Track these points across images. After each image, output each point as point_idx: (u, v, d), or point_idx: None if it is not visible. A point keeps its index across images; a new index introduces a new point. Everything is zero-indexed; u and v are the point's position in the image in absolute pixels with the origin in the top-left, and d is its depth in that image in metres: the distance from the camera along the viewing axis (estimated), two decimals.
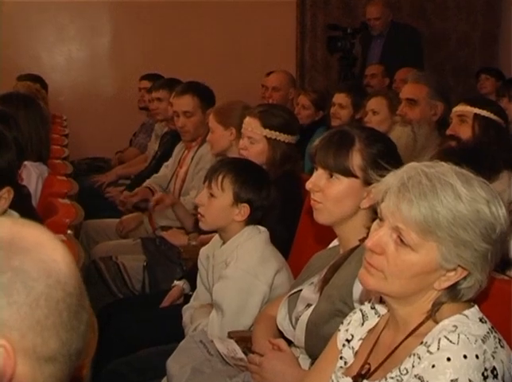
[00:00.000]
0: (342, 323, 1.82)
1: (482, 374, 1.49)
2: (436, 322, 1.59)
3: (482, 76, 6.80)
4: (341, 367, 1.75)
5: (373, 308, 1.78)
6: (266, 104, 4.35)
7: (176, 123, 4.39)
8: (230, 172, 2.68)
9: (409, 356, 1.56)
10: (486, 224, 1.54)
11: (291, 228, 3.07)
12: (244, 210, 2.67)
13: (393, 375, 1.59)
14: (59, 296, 1.03)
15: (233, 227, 2.69)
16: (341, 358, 1.76)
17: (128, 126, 6.74)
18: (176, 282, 3.27)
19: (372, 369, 1.66)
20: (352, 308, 1.98)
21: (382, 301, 1.75)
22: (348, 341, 1.77)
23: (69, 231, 2.71)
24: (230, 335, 2.48)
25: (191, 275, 3.12)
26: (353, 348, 1.75)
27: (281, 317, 2.31)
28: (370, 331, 1.74)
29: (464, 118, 3.40)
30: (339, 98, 4.80)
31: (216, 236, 2.82)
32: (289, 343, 2.24)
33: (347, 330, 1.78)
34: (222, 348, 2.37)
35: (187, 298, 3.06)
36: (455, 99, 3.75)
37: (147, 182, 4.68)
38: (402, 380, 1.56)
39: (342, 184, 2.17)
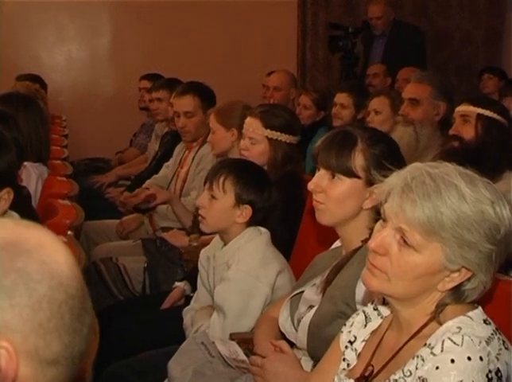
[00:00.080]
0: (344, 325, 1.81)
1: (487, 376, 1.49)
2: (440, 324, 1.59)
3: (484, 76, 6.79)
4: (344, 369, 1.75)
5: (376, 309, 1.77)
6: (267, 104, 4.34)
7: (176, 124, 4.38)
8: (232, 173, 2.66)
9: (413, 358, 1.56)
10: (490, 225, 1.53)
11: (292, 228, 3.05)
12: (246, 212, 2.65)
13: (396, 377, 1.58)
14: (61, 298, 1.02)
15: (234, 228, 2.68)
16: (344, 360, 1.76)
17: (128, 127, 6.74)
18: (177, 284, 3.26)
19: (375, 371, 1.66)
20: (355, 309, 1.98)
21: (384, 302, 1.75)
22: (351, 342, 1.76)
23: (69, 233, 2.70)
24: (232, 337, 2.48)
25: (192, 277, 3.11)
26: (356, 350, 1.75)
27: (283, 319, 2.30)
28: (373, 333, 1.74)
29: (467, 118, 3.39)
30: (341, 98, 4.78)
31: (217, 238, 2.81)
32: (291, 345, 2.23)
33: (349, 332, 1.78)
34: (223, 350, 2.36)
35: (188, 300, 3.05)
36: (457, 99, 3.74)
37: (147, 183, 4.67)
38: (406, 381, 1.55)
39: (344, 184, 2.16)
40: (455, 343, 1.51)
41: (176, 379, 2.37)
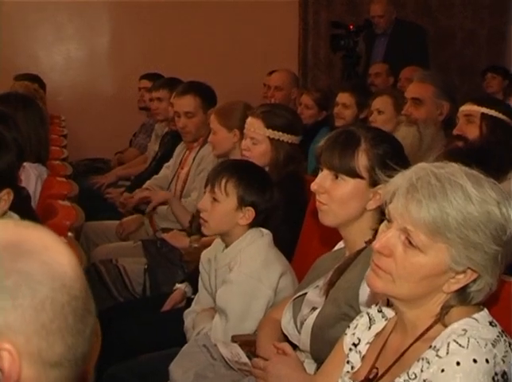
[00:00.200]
0: (348, 327, 1.81)
1: (493, 378, 1.48)
2: (445, 326, 1.58)
3: (488, 75, 6.78)
4: (348, 371, 1.75)
5: (380, 311, 1.77)
6: (269, 104, 4.32)
7: (177, 124, 4.36)
8: (233, 175, 2.64)
9: (418, 361, 1.55)
10: (496, 226, 1.53)
11: (295, 229, 3.05)
12: (249, 213, 2.63)
13: (401, 379, 1.57)
14: (64, 300, 1.02)
15: (236, 230, 2.66)
16: (348, 362, 1.76)
17: (128, 127, 6.72)
18: (177, 286, 3.25)
19: (380, 374, 1.66)
20: (358, 311, 1.98)
21: (389, 304, 1.74)
22: (355, 345, 1.76)
23: (70, 234, 2.69)
24: (234, 339, 2.46)
25: (192, 278, 3.09)
26: (360, 352, 1.75)
27: (285, 321, 2.29)
28: (378, 335, 1.74)
29: (471, 117, 3.38)
30: (343, 97, 4.77)
31: (218, 239, 2.79)
32: (294, 347, 2.22)
33: (353, 334, 1.78)
34: (225, 352, 2.35)
35: (189, 302, 3.04)
36: (460, 99, 3.73)
37: (147, 183, 4.66)
38: None
39: (347, 185, 2.15)
40: (460, 345, 1.50)
41: (177, 381, 2.36)
